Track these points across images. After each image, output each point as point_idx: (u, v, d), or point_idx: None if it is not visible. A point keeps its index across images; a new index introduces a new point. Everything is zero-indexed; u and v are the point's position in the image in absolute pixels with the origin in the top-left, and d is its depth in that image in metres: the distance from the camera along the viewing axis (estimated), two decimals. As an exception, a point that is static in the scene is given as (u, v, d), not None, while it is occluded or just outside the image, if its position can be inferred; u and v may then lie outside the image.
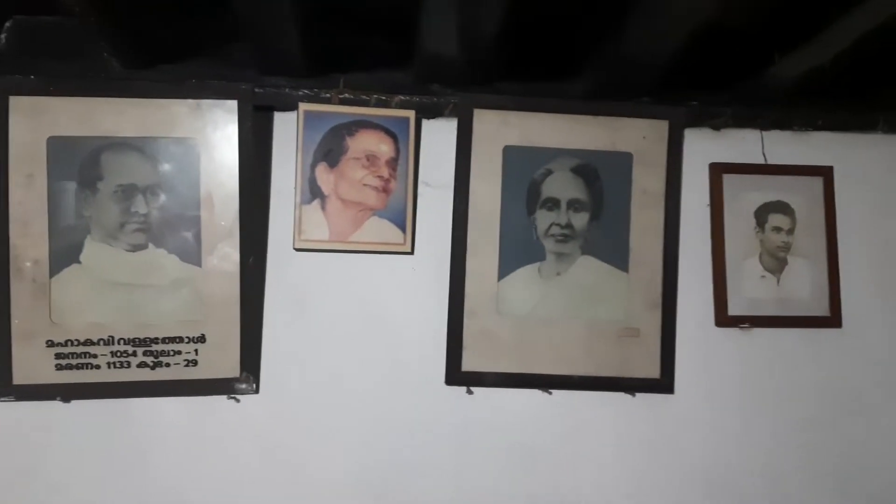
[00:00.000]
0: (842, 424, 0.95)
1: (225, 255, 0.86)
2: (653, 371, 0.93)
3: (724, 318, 0.95)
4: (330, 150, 0.89)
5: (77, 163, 0.84)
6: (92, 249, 0.84)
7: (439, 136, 0.93)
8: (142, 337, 0.85)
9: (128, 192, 0.85)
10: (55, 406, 0.85)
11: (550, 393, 0.92)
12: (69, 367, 0.84)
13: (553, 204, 0.94)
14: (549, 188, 0.94)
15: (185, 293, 0.86)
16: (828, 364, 0.96)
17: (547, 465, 0.92)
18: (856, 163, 1.00)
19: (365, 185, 0.89)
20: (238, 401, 0.88)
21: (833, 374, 0.96)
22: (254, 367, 0.87)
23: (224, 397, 0.87)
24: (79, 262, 0.84)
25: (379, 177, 0.89)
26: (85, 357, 0.84)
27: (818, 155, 0.99)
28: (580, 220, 0.94)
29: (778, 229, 0.97)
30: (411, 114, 0.90)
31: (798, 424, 0.94)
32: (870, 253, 0.99)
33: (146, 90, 0.85)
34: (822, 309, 0.96)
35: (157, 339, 0.85)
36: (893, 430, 0.95)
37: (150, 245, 0.85)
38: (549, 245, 0.94)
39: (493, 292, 0.92)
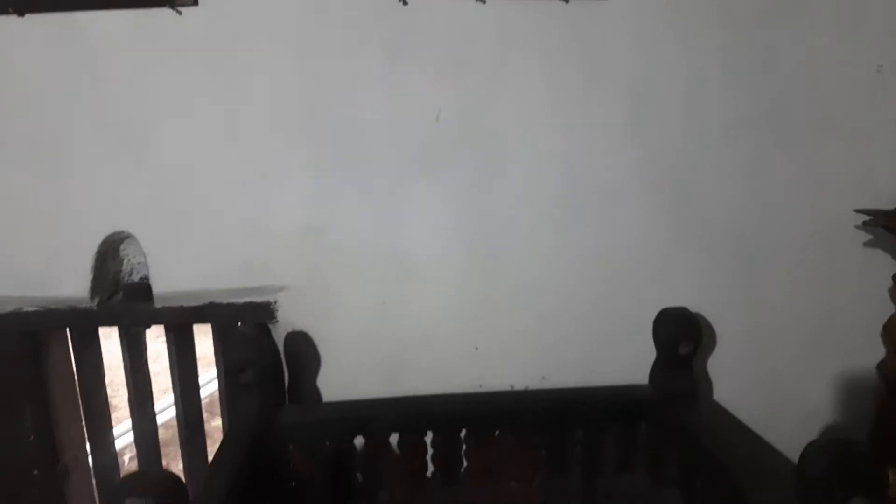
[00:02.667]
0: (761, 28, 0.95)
1: None
2: (587, -25, 0.92)
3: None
4: None
5: None
6: None
7: None
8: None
9: None
10: (10, 21, 0.91)
11: (484, 1, 0.94)
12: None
13: None
14: None
15: None
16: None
17: (477, 77, 0.96)
18: None
19: None
20: (180, 13, 0.92)
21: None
22: (188, -21, 0.90)
23: (167, 10, 0.91)
24: None
25: None
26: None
27: None
28: None
29: None
30: None
31: (720, 26, 0.94)
32: None
33: None
34: None
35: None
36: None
37: None
38: None
39: None
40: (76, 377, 1.15)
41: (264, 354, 0.88)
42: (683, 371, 0.92)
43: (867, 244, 0.99)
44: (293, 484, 0.96)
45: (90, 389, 1.14)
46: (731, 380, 1.05)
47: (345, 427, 0.94)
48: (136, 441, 1.17)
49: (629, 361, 1.01)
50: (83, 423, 1.17)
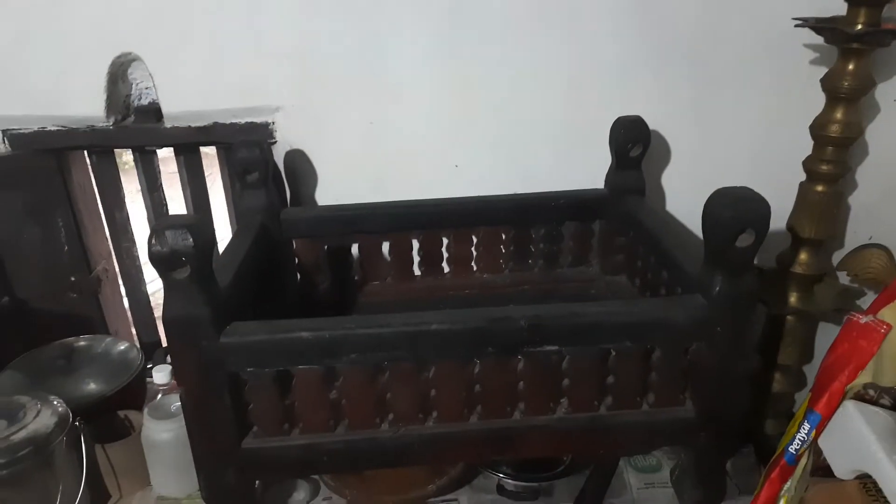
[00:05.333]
0: None
1: None
2: None
3: None
4: None
5: None
6: None
7: None
8: None
9: None
10: None
11: None
12: None
13: None
14: None
15: None
16: None
17: None
18: None
19: None
20: None
21: None
22: None
23: None
24: None
25: None
26: None
27: None
28: None
29: None
30: None
31: None
32: None
33: None
34: None
35: None
36: None
37: None
38: None
39: None
40: (98, 196, 1.28)
41: (268, 158, 1.00)
42: (634, 172, 1.05)
43: (813, 61, 1.09)
44: (299, 277, 1.13)
45: (112, 207, 1.28)
46: (683, 192, 1.18)
47: (341, 226, 1.09)
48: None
49: (590, 170, 1.13)
50: (108, 237, 1.32)
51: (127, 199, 1.31)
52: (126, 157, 1.28)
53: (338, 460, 0.77)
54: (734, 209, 0.69)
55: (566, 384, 0.78)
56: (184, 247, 0.65)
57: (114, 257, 1.35)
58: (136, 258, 1.35)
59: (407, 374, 0.74)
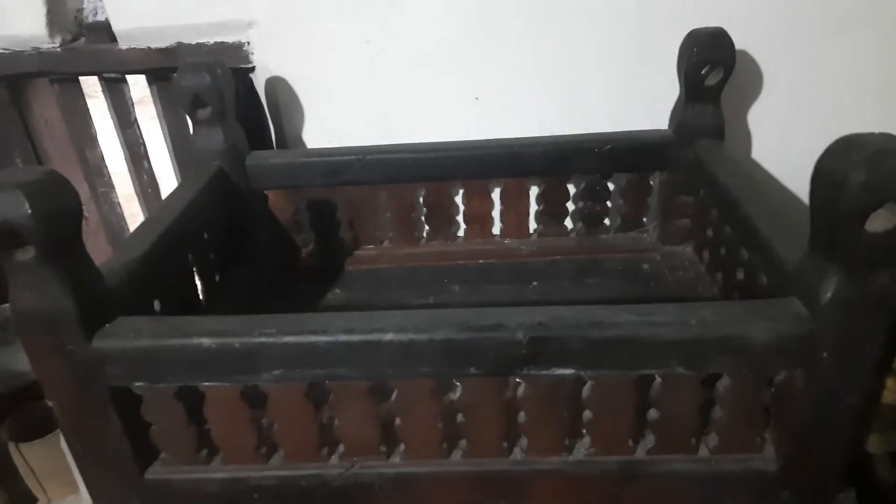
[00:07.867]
0: None
1: None
2: None
3: None
4: None
5: None
6: None
7: None
8: None
9: None
10: None
11: None
12: None
13: None
14: None
15: None
16: None
17: None
18: None
19: None
20: None
21: None
22: None
23: None
24: None
25: None
26: None
27: None
28: None
29: None
30: None
31: None
32: None
33: None
34: None
35: None
36: None
37: None
38: None
39: None
40: (69, 134, 1.10)
41: (222, 87, 0.78)
42: (710, 107, 0.77)
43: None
44: (272, 240, 0.92)
45: (82, 145, 1.10)
46: (778, 137, 0.89)
47: (324, 174, 0.86)
48: (139, 199, 1.16)
49: (650, 104, 0.86)
50: (84, 181, 1.15)
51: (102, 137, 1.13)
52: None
53: (272, 499, 0.57)
54: (868, 170, 0.42)
55: (587, 416, 0.54)
56: (17, 216, 0.45)
57: (93, 204, 1.18)
58: (116, 205, 1.18)
59: (358, 396, 0.53)
